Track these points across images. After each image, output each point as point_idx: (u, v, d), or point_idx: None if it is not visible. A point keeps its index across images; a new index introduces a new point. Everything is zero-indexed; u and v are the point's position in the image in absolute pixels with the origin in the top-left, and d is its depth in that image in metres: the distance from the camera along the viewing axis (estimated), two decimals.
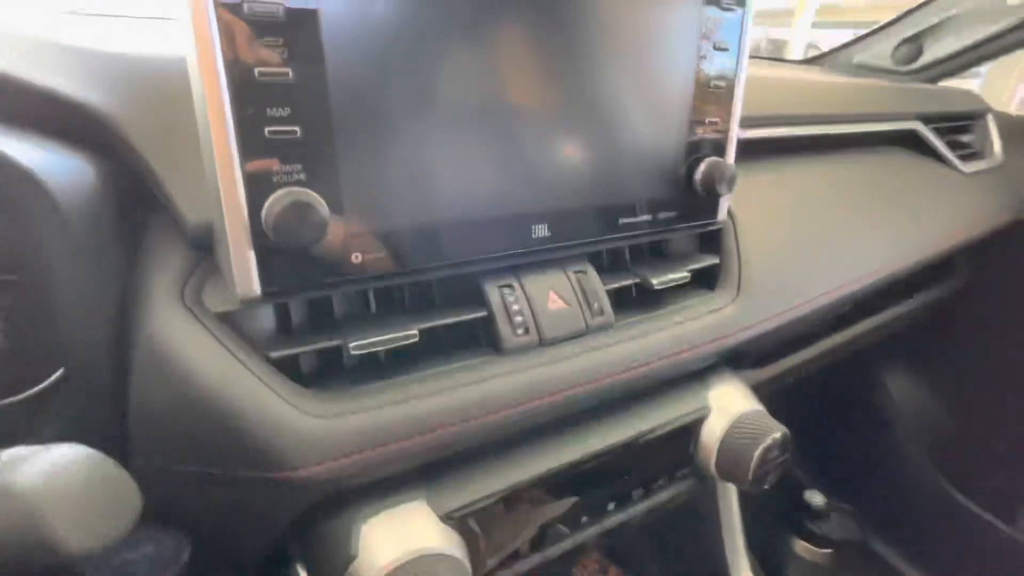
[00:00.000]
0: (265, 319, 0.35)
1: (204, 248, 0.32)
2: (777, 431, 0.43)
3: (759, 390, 0.54)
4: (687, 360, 0.44)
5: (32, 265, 0.26)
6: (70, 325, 0.29)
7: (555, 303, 0.40)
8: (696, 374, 0.49)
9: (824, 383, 1.03)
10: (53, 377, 0.31)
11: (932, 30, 0.92)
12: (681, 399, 0.47)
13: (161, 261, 0.31)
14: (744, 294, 0.49)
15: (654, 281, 0.44)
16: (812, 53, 1.11)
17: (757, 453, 0.42)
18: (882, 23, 1.01)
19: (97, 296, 0.29)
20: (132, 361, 0.31)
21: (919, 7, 0.94)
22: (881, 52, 1.00)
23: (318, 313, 0.37)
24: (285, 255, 0.30)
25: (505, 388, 0.36)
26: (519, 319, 0.38)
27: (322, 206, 0.29)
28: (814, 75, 0.84)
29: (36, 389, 0.30)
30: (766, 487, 0.45)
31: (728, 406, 0.47)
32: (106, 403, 0.31)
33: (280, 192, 0.28)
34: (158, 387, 0.30)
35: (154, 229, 0.32)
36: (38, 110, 0.28)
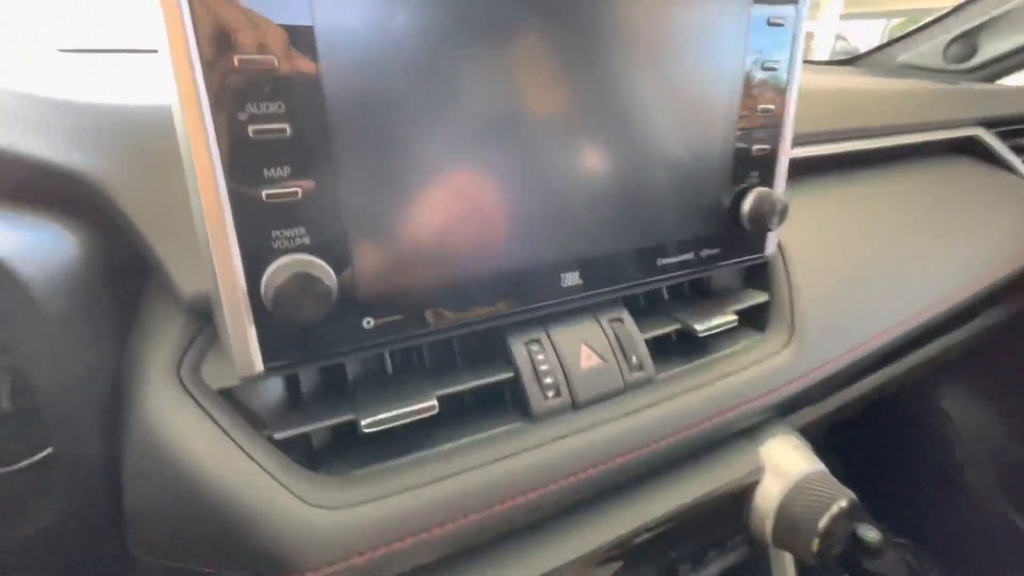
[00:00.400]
0: (272, 388, 0.32)
1: (203, 316, 0.29)
2: (844, 498, 0.38)
3: (805, 431, 0.49)
4: (739, 417, 0.39)
5: (7, 344, 0.24)
6: (53, 406, 0.26)
7: (589, 359, 0.36)
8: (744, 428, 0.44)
9: (874, 408, 0.96)
10: (40, 455, 0.28)
11: (989, 25, 0.85)
12: (730, 459, 0.42)
13: (156, 333, 0.29)
14: (799, 336, 0.44)
15: (698, 328, 0.40)
16: (841, 44, 1.05)
17: (822, 524, 0.37)
18: (927, 19, 0.94)
19: (83, 378, 0.26)
20: (125, 446, 0.28)
21: (971, 1, 0.87)
22: (929, 50, 0.93)
23: (329, 376, 0.34)
24: (289, 327, 0.27)
25: (536, 463, 0.32)
26: (549, 380, 0.35)
27: (328, 276, 0.25)
28: (858, 79, 0.78)
29: (20, 465, 0.28)
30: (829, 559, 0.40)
31: (784, 466, 0.41)
32: (100, 487, 0.29)
33: (281, 262, 0.25)
34: (152, 476, 0.27)
35: (149, 296, 0.30)
36: (15, 177, 0.25)
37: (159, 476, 0.27)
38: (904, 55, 0.96)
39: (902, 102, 0.67)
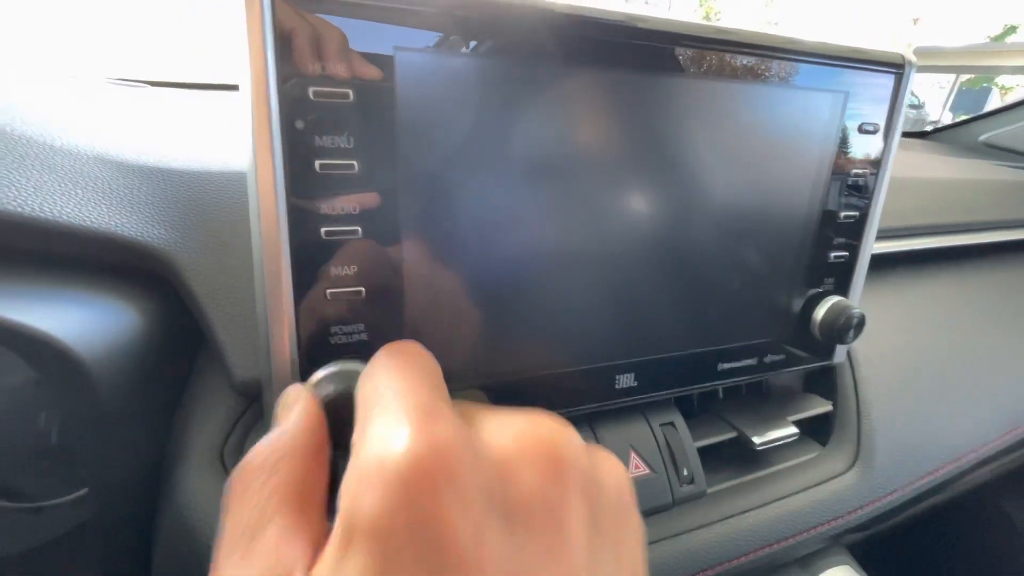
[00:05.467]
0: None
1: (252, 395, 0.29)
2: None
3: (857, 544, 0.45)
4: (794, 546, 0.36)
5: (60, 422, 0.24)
6: (95, 477, 0.26)
7: (636, 467, 0.34)
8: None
9: (929, 516, 0.88)
10: (74, 495, 0.28)
11: None
12: None
13: (203, 412, 0.28)
14: (865, 456, 0.40)
15: (756, 440, 0.37)
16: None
17: None
18: (998, 78, 0.89)
19: (129, 453, 0.26)
20: (161, 518, 0.28)
21: None
22: (1015, 132, 0.88)
23: None
24: None
25: None
26: None
27: None
28: (937, 160, 0.74)
29: (53, 502, 0.28)
30: None
31: None
32: (132, 545, 0.29)
33: (334, 369, 0.24)
34: (181, 554, 0.27)
35: (199, 373, 0.30)
36: (98, 254, 0.26)
37: (187, 555, 0.27)
38: (987, 134, 0.91)
39: (988, 195, 0.63)
